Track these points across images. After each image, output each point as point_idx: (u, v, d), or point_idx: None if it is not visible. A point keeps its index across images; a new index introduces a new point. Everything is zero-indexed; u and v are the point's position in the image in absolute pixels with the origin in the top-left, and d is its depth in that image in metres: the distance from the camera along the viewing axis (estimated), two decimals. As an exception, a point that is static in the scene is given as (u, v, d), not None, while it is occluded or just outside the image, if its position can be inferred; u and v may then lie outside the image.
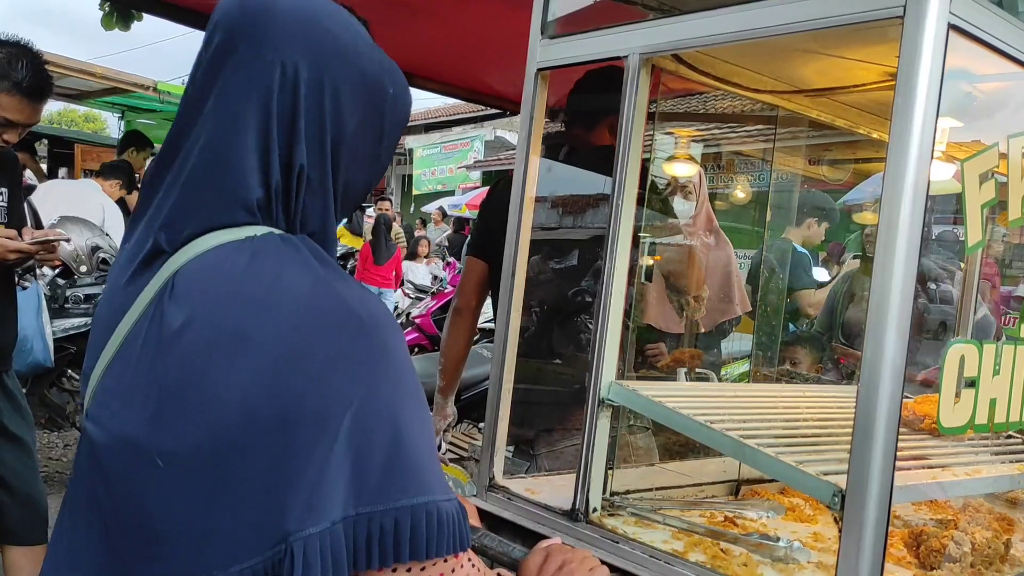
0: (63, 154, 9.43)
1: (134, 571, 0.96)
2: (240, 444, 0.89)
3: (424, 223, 16.83)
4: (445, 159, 20.11)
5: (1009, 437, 1.98)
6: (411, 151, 20.78)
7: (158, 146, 1.81)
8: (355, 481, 0.88)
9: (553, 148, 2.49)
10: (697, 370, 2.57)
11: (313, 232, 1.02)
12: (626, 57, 1.65)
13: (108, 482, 0.98)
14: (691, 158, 2.39)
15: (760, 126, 2.53)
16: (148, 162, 5.95)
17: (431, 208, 17.77)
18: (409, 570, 0.92)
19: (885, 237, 1.26)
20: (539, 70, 1.82)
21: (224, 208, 0.97)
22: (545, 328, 2.54)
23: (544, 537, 1.65)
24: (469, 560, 1.00)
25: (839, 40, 1.63)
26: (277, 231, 0.99)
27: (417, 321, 8.01)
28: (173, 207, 1.00)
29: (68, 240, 3.49)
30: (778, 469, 1.42)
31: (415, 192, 20.87)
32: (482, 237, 2.59)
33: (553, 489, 1.82)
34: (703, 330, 2.80)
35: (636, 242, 2.28)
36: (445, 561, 0.95)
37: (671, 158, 2.38)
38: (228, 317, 0.92)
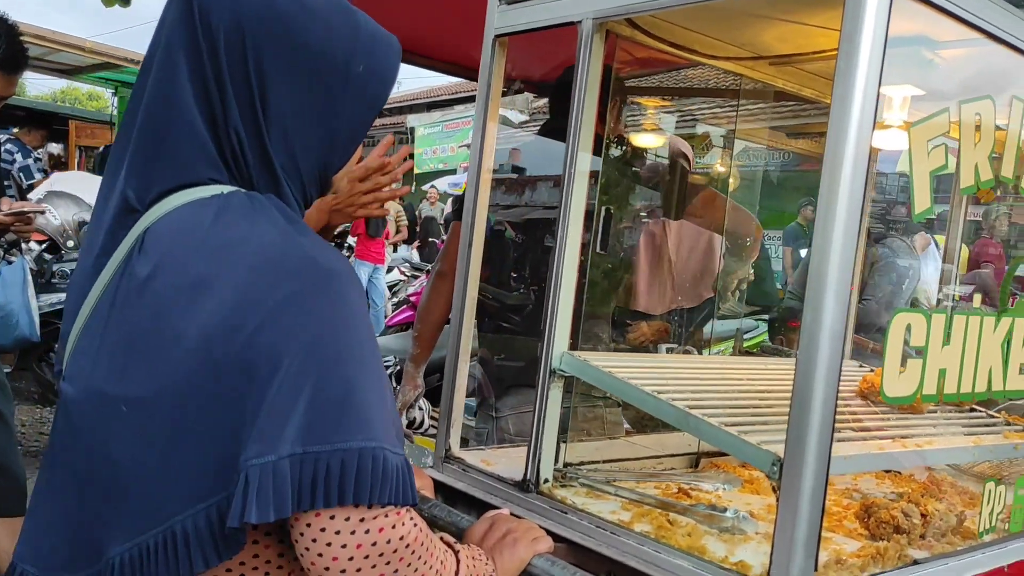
0: (58, 131, 9.41)
1: (102, 518, 0.99)
2: (199, 385, 0.93)
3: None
4: (447, 138, 20.03)
5: (972, 410, 1.96)
6: (412, 130, 20.70)
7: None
8: (304, 420, 0.91)
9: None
10: (677, 346, 2.56)
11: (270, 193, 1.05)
12: (579, 22, 1.62)
13: (79, 437, 1.02)
14: (658, 128, 2.36)
15: (759, 102, 2.48)
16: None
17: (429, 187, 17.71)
18: (348, 519, 0.93)
19: (825, 203, 1.24)
20: (496, 36, 1.80)
21: (188, 165, 1.01)
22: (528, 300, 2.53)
23: (494, 508, 1.65)
24: (412, 519, 1.01)
25: (795, 4, 1.61)
26: (244, 190, 1.02)
27: (412, 299, 7.99)
28: (137, 164, 1.03)
29: (43, 212, 3.48)
30: (721, 438, 1.41)
31: (416, 171, 20.81)
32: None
33: (509, 461, 1.82)
34: (687, 306, 2.78)
35: (606, 218, 2.27)
36: (386, 516, 0.96)
37: (643, 129, 2.36)
38: (192, 266, 0.96)
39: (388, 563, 0.97)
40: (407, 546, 0.98)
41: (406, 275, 9.16)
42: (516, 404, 2.50)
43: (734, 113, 2.22)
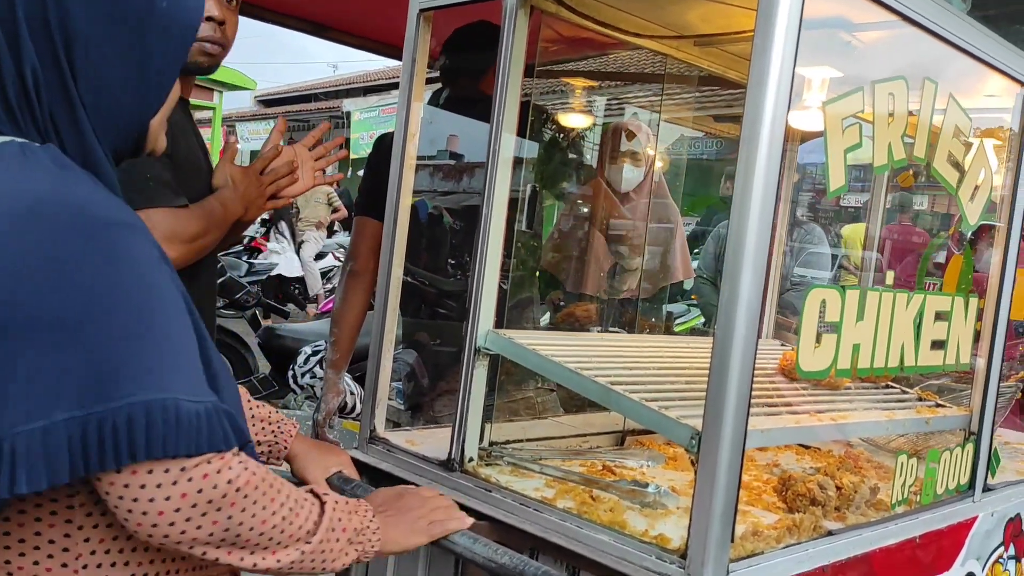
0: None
1: None
2: None
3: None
4: (382, 122, 19.79)
5: (888, 387, 2.02)
6: (349, 114, 20.43)
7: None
8: (79, 380, 0.88)
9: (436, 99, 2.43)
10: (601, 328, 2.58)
11: (70, 144, 0.99)
12: (503, -2, 1.61)
13: None
14: (585, 108, 2.37)
15: (679, 86, 2.50)
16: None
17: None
18: (167, 471, 0.92)
19: (742, 181, 1.25)
20: (421, 10, 1.77)
21: None
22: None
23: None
24: (242, 463, 0.98)
25: (716, -16, 1.62)
26: (20, 140, 0.96)
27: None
28: None
29: None
30: (642, 413, 1.42)
31: (352, 156, 20.56)
32: (372, 195, 2.37)
33: (435, 441, 1.80)
34: (641, 296, 2.79)
35: (531, 196, 2.27)
36: (209, 463, 0.94)
37: (570, 108, 2.36)
38: None
39: (219, 509, 0.95)
40: (237, 490, 0.96)
41: (340, 260, 9.05)
42: (449, 388, 2.48)
43: (659, 98, 2.23)
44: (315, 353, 3.91)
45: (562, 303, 2.72)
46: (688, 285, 5.32)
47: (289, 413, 3.25)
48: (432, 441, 1.80)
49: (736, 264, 1.24)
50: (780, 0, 1.23)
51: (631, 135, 2.67)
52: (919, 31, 1.55)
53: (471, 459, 1.65)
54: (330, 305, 7.66)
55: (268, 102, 25.67)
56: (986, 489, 1.90)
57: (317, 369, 3.84)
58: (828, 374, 1.45)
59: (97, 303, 0.89)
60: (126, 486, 0.91)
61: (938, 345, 1.70)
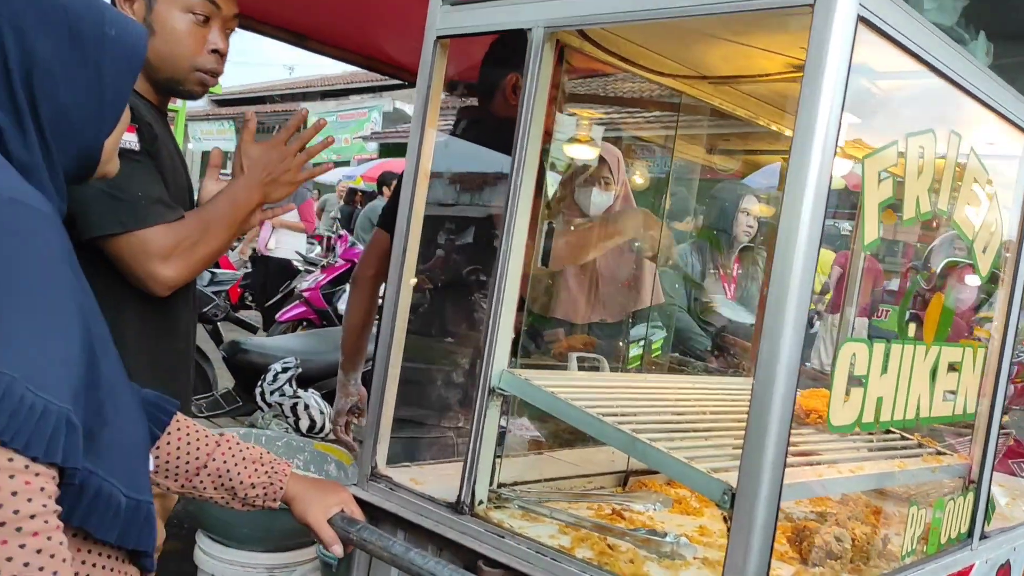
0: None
1: None
2: None
3: (319, 192, 16.39)
4: (340, 128, 19.64)
5: (888, 432, 2.02)
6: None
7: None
8: None
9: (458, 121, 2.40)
10: (588, 355, 2.54)
11: (22, 160, 1.03)
12: (530, 30, 1.57)
13: None
14: (591, 140, 2.34)
15: (661, 112, 2.50)
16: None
17: (328, 178, 17.32)
18: None
19: (785, 234, 1.23)
20: (439, 38, 1.73)
21: None
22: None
23: (426, 530, 1.59)
24: (53, 511, 0.88)
25: (745, 27, 1.60)
26: None
27: (306, 295, 7.76)
28: None
29: None
30: (669, 465, 1.38)
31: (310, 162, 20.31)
32: (393, 213, 2.42)
33: (439, 479, 1.75)
34: (610, 320, 2.76)
35: (535, 227, 2.23)
36: (14, 473, 0.85)
37: (575, 140, 2.33)
38: None
39: None
40: (18, 529, 0.83)
41: (299, 269, 8.89)
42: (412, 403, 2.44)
43: (670, 125, 2.22)
44: (284, 370, 3.80)
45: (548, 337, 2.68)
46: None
47: (258, 432, 3.15)
48: (436, 479, 1.75)
49: (778, 320, 1.21)
50: (831, 49, 1.22)
51: (600, 159, 2.65)
52: (940, 80, 1.56)
53: (481, 502, 1.60)
54: (288, 315, 7.52)
55: (222, 102, 25.26)
56: (983, 537, 1.91)
57: (287, 387, 3.73)
58: (854, 428, 1.44)
59: None
60: None
61: (949, 395, 1.70)
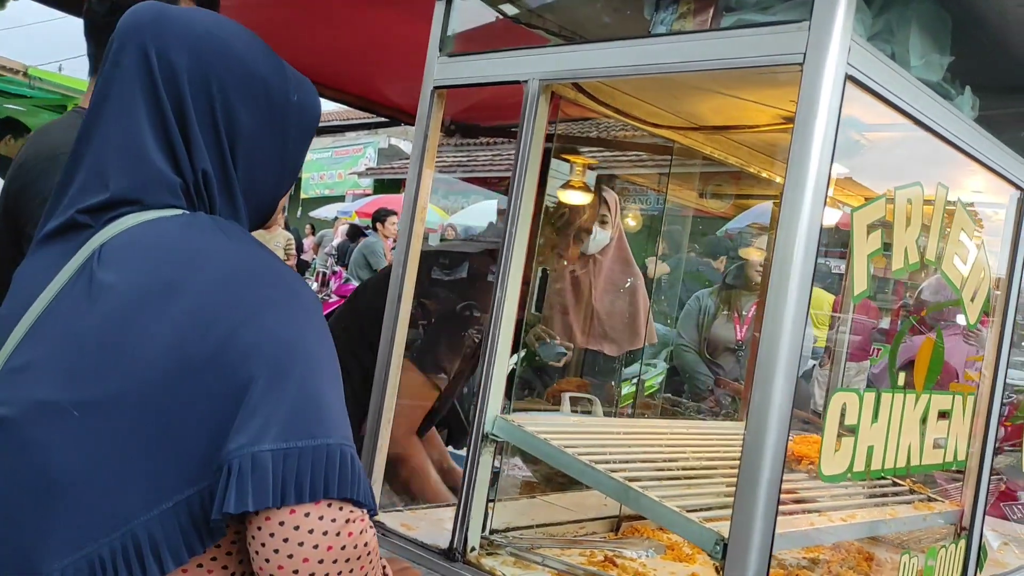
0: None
1: (29, 535, 0.94)
2: (169, 384, 0.92)
3: (314, 229, 16.40)
4: (335, 164, 19.73)
5: (880, 478, 2.03)
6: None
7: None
8: (285, 417, 0.92)
9: None
10: (580, 395, 2.55)
11: (224, 216, 1.09)
12: (525, 82, 1.60)
13: (7, 455, 0.97)
14: (585, 186, 2.37)
15: (655, 155, 2.54)
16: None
17: (323, 214, 17.34)
18: (321, 517, 0.92)
19: (777, 283, 1.25)
20: (436, 88, 1.76)
21: (149, 193, 1.04)
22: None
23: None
24: (370, 525, 0.99)
25: (736, 81, 1.63)
26: (205, 213, 1.07)
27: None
28: (92, 188, 1.04)
29: None
30: (661, 514, 1.39)
31: (303, 196, 20.40)
32: None
33: (431, 524, 1.75)
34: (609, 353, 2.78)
35: (542, 279, 2.25)
36: (362, 520, 0.95)
37: (569, 185, 2.36)
38: (159, 272, 0.98)
39: (351, 571, 0.95)
40: (369, 553, 0.97)
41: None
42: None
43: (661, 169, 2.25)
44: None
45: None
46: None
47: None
48: (427, 525, 1.75)
49: (769, 370, 1.23)
50: (820, 105, 1.25)
51: (602, 199, 2.67)
52: (925, 133, 1.59)
53: (473, 548, 1.60)
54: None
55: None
56: (974, 584, 1.91)
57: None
58: (845, 478, 1.44)
59: (306, 350, 0.97)
60: (281, 523, 0.90)
61: (939, 444, 1.72)
